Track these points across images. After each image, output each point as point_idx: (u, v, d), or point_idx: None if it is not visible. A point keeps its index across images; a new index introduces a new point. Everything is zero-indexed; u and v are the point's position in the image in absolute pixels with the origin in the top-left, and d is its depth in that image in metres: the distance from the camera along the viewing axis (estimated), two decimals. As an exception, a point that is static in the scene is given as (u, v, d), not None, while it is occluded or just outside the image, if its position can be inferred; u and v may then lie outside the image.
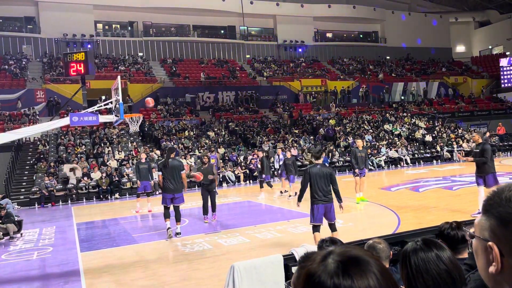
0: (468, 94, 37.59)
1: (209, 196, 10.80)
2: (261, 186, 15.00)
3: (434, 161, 24.95)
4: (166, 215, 9.43)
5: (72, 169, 19.12)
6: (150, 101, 9.66)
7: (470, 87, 38.68)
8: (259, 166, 15.59)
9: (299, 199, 7.39)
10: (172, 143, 23.01)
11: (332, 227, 7.12)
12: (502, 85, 37.47)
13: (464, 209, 9.96)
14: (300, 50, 38.60)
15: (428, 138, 27.03)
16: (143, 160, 14.14)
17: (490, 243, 0.94)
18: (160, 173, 9.36)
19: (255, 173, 21.20)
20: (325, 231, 6.96)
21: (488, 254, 0.95)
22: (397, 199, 12.59)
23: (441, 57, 42.35)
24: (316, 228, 7.03)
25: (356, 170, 12.06)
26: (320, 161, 7.26)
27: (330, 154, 23.51)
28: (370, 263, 0.82)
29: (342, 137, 26.20)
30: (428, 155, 25.23)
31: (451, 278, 1.70)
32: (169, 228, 9.26)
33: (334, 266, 0.81)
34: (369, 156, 23.82)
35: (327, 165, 9.91)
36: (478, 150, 9.17)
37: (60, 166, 19.86)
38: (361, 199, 12.31)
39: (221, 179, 19.50)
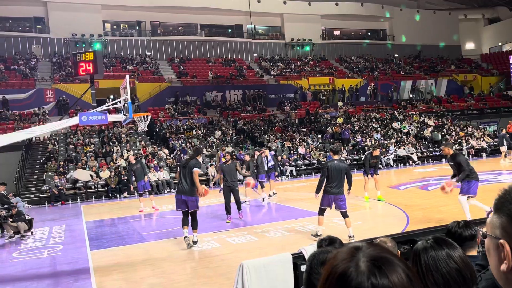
0: (478, 91, 37.24)
1: (232, 195, 10.69)
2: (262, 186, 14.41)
3: (443, 159, 24.76)
4: (184, 222, 8.56)
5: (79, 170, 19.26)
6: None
7: (480, 85, 38.31)
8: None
9: (317, 191, 7.99)
10: (180, 142, 23.10)
11: (344, 214, 7.94)
12: (513, 83, 37.08)
13: (474, 208, 9.87)
14: (307, 48, 38.50)
15: (437, 136, 26.82)
16: (133, 162, 14.03)
17: (501, 240, 0.94)
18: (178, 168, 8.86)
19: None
20: (330, 232, 6.95)
21: (499, 252, 0.95)
22: (406, 198, 12.52)
23: (450, 55, 41.98)
24: (321, 212, 8.02)
25: (368, 176, 12.36)
26: (337, 157, 8.04)
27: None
28: (396, 260, 0.84)
29: (350, 136, 26.09)
30: (437, 153, 25.04)
31: (462, 277, 1.69)
32: (186, 237, 8.47)
33: (368, 265, 0.82)
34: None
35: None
36: (452, 163, 8.62)
37: (69, 165, 20.03)
38: (379, 198, 12.27)
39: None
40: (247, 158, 14.21)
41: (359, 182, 12.97)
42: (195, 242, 8.39)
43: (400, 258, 0.86)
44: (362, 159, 14.39)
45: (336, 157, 7.96)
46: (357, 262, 0.83)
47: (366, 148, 24.10)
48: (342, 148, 24.32)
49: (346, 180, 7.89)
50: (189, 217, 8.40)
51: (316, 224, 8.44)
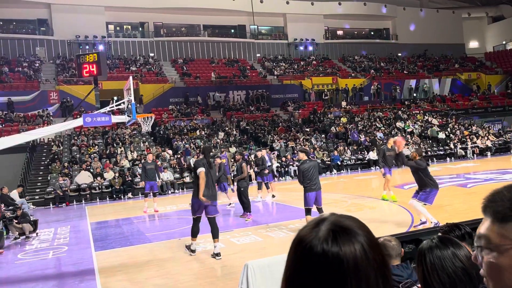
0: (482, 90, 37.08)
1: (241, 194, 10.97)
2: (260, 187, 14.16)
3: (448, 159, 24.68)
4: (195, 231, 7.54)
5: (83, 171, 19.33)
6: None
7: (484, 83, 38.15)
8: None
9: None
10: (183, 143, 23.13)
11: (320, 210, 8.48)
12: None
13: (479, 207, 9.82)
14: (310, 48, 38.47)
15: (441, 135, 26.73)
16: (150, 161, 14.14)
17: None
18: (202, 169, 7.33)
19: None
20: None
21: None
22: (410, 197, 12.45)
23: (454, 53, 41.82)
24: (308, 212, 8.32)
25: (382, 170, 11.93)
26: (306, 157, 8.47)
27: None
28: (358, 234, 0.85)
29: (358, 137, 26.03)
30: (442, 153, 24.96)
31: (468, 276, 1.68)
32: (194, 250, 7.62)
33: (325, 233, 0.85)
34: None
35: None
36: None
37: (73, 167, 20.10)
38: (392, 198, 11.89)
39: (233, 178, 19.50)
40: (238, 157, 14.03)
41: (362, 181, 12.94)
42: (218, 255, 7.33)
43: (367, 233, 0.87)
44: (378, 154, 13.32)
45: (305, 157, 8.42)
46: (319, 229, 0.86)
47: (369, 147, 24.06)
48: (346, 148, 24.30)
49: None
50: (208, 223, 7.50)
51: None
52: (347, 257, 0.81)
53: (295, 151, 23.39)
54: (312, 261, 0.83)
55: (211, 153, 7.78)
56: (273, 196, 14.19)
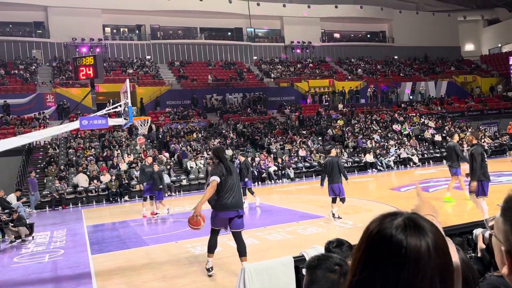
0: (477, 93, 37.28)
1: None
2: (244, 194, 13.50)
3: (444, 161, 24.74)
4: (212, 246, 6.40)
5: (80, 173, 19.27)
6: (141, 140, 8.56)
7: (480, 86, 38.35)
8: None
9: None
10: (180, 146, 23.11)
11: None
12: (513, 83, 37.10)
13: (475, 210, 9.86)
14: (307, 51, 38.56)
15: (438, 137, 26.82)
16: (148, 163, 14.08)
17: (503, 248, 0.94)
18: (216, 178, 6.11)
19: (263, 175, 21.23)
20: (332, 235, 6.92)
21: (502, 255, 0.95)
22: (407, 200, 12.50)
23: (450, 56, 42.02)
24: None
25: (454, 170, 11.10)
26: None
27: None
28: (428, 234, 0.91)
29: (350, 138, 26.10)
30: (438, 155, 25.03)
31: (464, 279, 1.69)
32: (210, 268, 6.48)
33: (399, 223, 0.91)
34: (379, 156, 23.73)
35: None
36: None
37: (70, 170, 20.04)
38: (449, 199, 11.40)
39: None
40: (242, 158, 13.89)
41: (358, 184, 12.96)
42: None
43: (437, 232, 0.92)
44: (448, 150, 11.65)
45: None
46: (396, 218, 0.93)
47: (366, 150, 24.11)
48: (343, 150, 24.35)
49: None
50: (234, 239, 6.40)
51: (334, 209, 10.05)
52: (410, 247, 0.87)
53: (292, 154, 23.42)
54: (379, 243, 0.90)
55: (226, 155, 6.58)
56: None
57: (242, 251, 6.24)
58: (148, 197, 13.67)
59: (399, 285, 0.86)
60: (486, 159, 8.13)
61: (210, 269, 6.47)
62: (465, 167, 10.03)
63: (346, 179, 10.03)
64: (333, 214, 9.99)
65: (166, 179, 19.67)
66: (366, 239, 0.93)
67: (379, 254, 0.89)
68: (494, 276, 1.74)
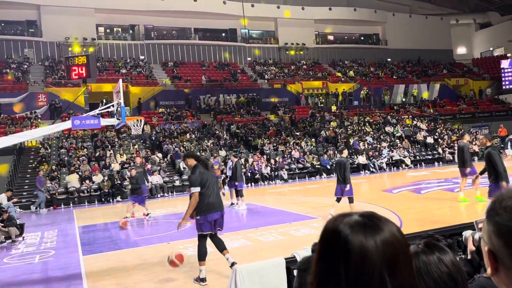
0: (471, 95, 37.64)
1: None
2: (237, 195, 13.63)
3: (436, 163, 24.93)
4: (203, 253, 6.20)
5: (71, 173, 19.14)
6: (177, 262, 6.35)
7: (471, 89, 38.69)
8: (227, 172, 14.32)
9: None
10: (173, 146, 23.03)
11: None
12: (504, 87, 37.44)
13: (467, 211, 9.94)
14: (301, 52, 38.65)
15: (430, 140, 27.00)
16: (138, 164, 14.04)
17: (486, 248, 0.95)
18: (197, 189, 6.10)
19: (256, 176, 21.23)
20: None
21: (487, 257, 0.97)
22: (399, 201, 12.57)
23: (442, 59, 42.35)
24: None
25: (468, 169, 10.97)
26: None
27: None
28: (380, 225, 0.91)
29: (359, 145, 26.08)
30: (430, 157, 25.20)
31: (453, 281, 1.70)
32: (204, 279, 6.16)
33: (353, 221, 0.91)
34: (371, 158, 23.83)
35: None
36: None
37: (62, 170, 19.89)
38: (464, 199, 11.18)
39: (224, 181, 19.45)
40: (234, 159, 13.88)
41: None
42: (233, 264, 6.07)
43: (390, 229, 0.92)
44: (460, 151, 11.39)
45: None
46: (350, 216, 0.93)
47: (359, 151, 24.20)
48: (336, 152, 24.41)
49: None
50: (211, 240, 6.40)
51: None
52: (355, 243, 0.87)
53: (285, 156, 23.44)
54: (329, 239, 0.92)
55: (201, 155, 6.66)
56: (232, 204, 13.62)
57: (223, 246, 6.35)
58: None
59: (349, 280, 0.87)
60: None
61: (204, 280, 6.16)
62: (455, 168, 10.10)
63: (345, 182, 10.13)
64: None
65: (159, 179, 19.60)
66: (320, 238, 0.94)
67: (329, 250, 0.91)
68: (483, 278, 1.75)
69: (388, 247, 0.88)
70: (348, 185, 10.12)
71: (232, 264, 6.10)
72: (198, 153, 17.14)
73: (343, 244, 0.88)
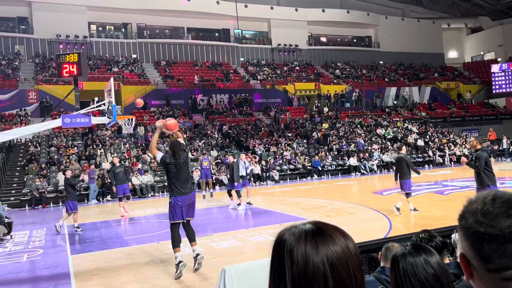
0: (459, 99, 37.98)
1: None
2: (230, 195, 13.76)
3: (426, 166, 25.11)
4: (177, 240, 6.53)
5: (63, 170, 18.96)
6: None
7: (462, 92, 39.06)
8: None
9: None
10: (165, 146, 22.93)
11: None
12: (494, 91, 37.87)
13: (455, 214, 10.01)
14: (293, 53, 38.73)
15: (420, 142, 27.20)
16: (117, 164, 13.94)
17: (459, 252, 0.96)
18: (160, 155, 6.72)
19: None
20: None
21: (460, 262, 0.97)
22: (389, 203, 12.63)
23: (434, 63, 42.70)
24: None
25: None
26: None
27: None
28: (337, 236, 0.94)
29: (335, 141, 26.27)
30: (420, 160, 25.38)
31: (439, 282, 1.71)
32: (180, 262, 6.39)
33: (298, 230, 0.96)
34: (362, 160, 23.94)
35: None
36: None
37: (51, 168, 19.71)
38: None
39: (214, 182, 19.43)
40: (231, 159, 13.98)
41: (342, 187, 13.04)
42: (198, 265, 6.65)
43: (346, 238, 0.94)
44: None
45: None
46: (300, 226, 0.97)
47: (349, 152, 24.29)
48: (327, 154, 24.48)
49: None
50: (184, 228, 6.72)
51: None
52: (298, 252, 0.91)
53: (276, 156, 23.47)
54: (277, 248, 0.96)
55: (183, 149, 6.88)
56: (239, 204, 13.60)
57: (193, 237, 6.74)
58: (126, 196, 13.59)
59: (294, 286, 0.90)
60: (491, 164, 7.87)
61: (181, 263, 6.38)
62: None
63: (418, 173, 11.12)
64: (399, 208, 10.70)
65: (150, 179, 19.51)
66: (272, 246, 0.98)
67: (277, 258, 0.95)
68: (463, 283, 1.77)
69: (334, 258, 0.90)
70: (406, 180, 10.85)
71: (179, 263, 6.41)
72: (189, 153, 17.12)
73: (289, 253, 0.92)
